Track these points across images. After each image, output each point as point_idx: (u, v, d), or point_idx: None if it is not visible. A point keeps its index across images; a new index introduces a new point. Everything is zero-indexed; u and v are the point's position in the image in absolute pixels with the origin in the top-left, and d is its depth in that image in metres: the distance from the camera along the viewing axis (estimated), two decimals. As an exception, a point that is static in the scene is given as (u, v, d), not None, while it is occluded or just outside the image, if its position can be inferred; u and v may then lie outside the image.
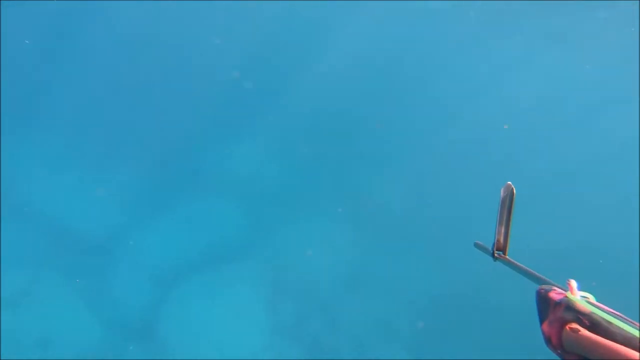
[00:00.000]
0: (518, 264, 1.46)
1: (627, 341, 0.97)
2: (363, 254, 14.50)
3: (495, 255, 1.55)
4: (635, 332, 0.98)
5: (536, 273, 1.37)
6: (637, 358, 0.93)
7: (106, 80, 15.81)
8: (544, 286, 1.24)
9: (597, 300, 1.14)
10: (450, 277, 14.10)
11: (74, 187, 13.17)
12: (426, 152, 16.80)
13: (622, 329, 1.00)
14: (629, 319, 1.05)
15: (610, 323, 1.03)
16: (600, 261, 12.55)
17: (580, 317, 1.08)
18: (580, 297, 1.13)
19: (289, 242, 13.90)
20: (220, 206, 14.12)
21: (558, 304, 1.14)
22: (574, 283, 1.15)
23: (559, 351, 1.12)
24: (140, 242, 12.23)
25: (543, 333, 1.16)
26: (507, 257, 1.53)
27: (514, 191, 1.55)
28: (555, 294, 1.18)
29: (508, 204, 1.54)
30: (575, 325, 1.07)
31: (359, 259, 14.39)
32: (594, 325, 1.04)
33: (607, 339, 1.00)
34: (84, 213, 12.55)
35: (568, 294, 1.14)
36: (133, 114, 15.41)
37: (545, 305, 1.19)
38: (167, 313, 11.12)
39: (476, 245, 1.72)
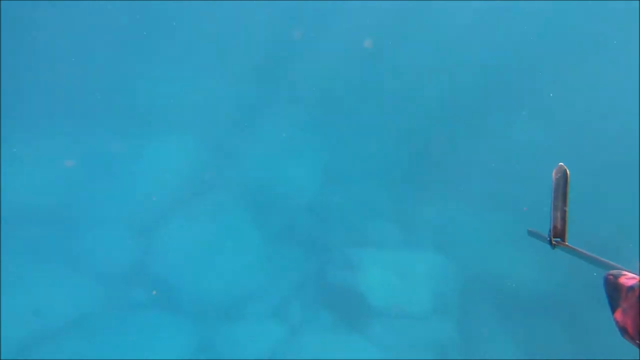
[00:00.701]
0: (580, 250, 1.36)
1: None
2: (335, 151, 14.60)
3: (554, 242, 1.44)
4: None
5: (602, 258, 1.27)
6: None
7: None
8: (612, 272, 1.14)
9: None
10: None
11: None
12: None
13: None
14: None
15: None
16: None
17: None
18: None
19: (260, 158, 13.67)
20: (181, 142, 13.50)
21: (631, 289, 1.05)
22: None
23: (637, 342, 1.02)
24: (110, 196, 11.68)
25: (617, 323, 1.07)
26: (566, 243, 1.42)
27: (568, 172, 1.44)
28: (626, 279, 1.08)
29: (562, 186, 1.44)
30: None
31: (333, 156, 14.50)
32: None
33: None
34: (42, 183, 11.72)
35: None
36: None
37: (616, 292, 1.09)
38: (159, 255, 10.97)
39: (530, 233, 1.62)
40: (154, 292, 9.99)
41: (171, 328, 9.30)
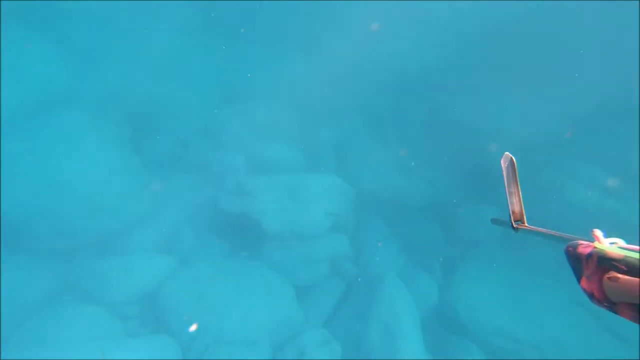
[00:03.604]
0: (539, 229, 1.44)
1: None
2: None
3: (515, 226, 1.52)
4: None
5: (559, 233, 1.33)
6: None
7: None
8: (570, 244, 1.20)
9: (628, 243, 1.09)
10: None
11: None
12: None
13: None
14: None
15: None
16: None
17: (615, 264, 1.04)
18: (609, 245, 1.09)
19: (145, 69, 11.54)
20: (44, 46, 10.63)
21: (589, 257, 1.11)
22: (598, 232, 1.12)
23: (605, 304, 1.07)
24: None
25: (584, 291, 1.12)
26: (526, 225, 1.52)
27: (514, 160, 1.54)
28: (583, 247, 1.14)
29: (512, 173, 1.54)
30: (613, 274, 1.04)
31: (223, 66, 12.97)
32: (632, 268, 1.01)
33: None
34: None
35: (596, 244, 1.11)
36: None
37: (577, 262, 1.15)
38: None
39: (493, 221, 1.73)
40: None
41: (28, 268, 8.05)
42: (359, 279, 9.95)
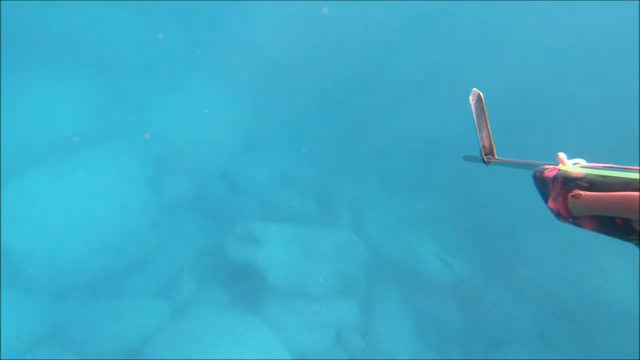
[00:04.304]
0: (509, 160, 1.48)
1: (626, 185, 1.01)
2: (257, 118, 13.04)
3: (486, 159, 1.56)
4: (631, 176, 1.02)
5: (528, 161, 1.37)
6: (638, 196, 0.95)
7: None
8: (537, 169, 1.27)
9: (589, 161, 1.16)
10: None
11: None
12: None
13: (619, 177, 1.04)
14: (622, 166, 1.07)
15: (605, 177, 1.07)
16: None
17: (578, 182, 1.11)
18: (572, 165, 1.17)
19: (162, 113, 11.77)
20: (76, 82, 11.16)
21: (555, 179, 1.18)
22: (562, 155, 1.20)
23: (570, 220, 1.15)
24: None
25: (551, 211, 1.19)
26: (496, 157, 1.55)
27: (481, 95, 1.56)
28: (549, 171, 1.22)
29: (480, 109, 1.56)
30: (576, 192, 1.11)
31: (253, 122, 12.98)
32: (592, 184, 1.08)
33: (608, 191, 1.03)
34: None
35: (560, 166, 1.19)
36: None
37: (544, 185, 1.23)
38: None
39: (465, 158, 1.74)
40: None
41: (19, 308, 7.73)
42: (366, 358, 8.91)
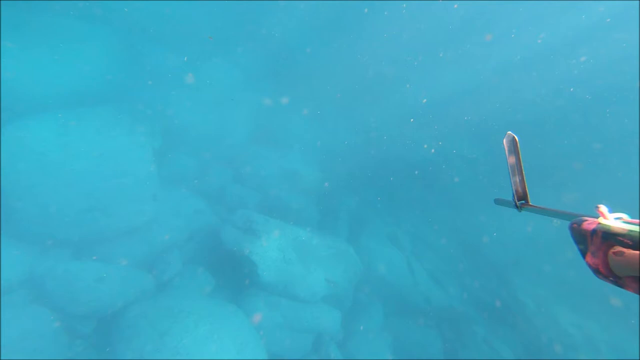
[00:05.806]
0: (544, 207, 1.43)
1: None
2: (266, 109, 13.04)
3: (519, 205, 1.50)
4: None
5: (565, 211, 1.31)
6: None
7: None
8: (575, 220, 1.19)
9: (631, 217, 1.09)
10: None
11: None
12: None
13: None
14: None
15: None
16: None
17: (620, 238, 1.03)
18: (614, 220, 1.09)
19: (181, 91, 11.70)
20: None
21: (594, 233, 1.10)
22: (603, 208, 1.10)
23: (610, 278, 1.07)
24: None
25: (589, 266, 1.11)
26: (530, 204, 1.49)
27: (517, 139, 1.51)
28: (588, 224, 1.13)
29: (515, 153, 1.51)
30: (618, 249, 1.03)
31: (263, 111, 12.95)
32: (636, 242, 1.00)
33: None
34: None
35: (600, 219, 1.11)
36: None
37: (582, 238, 1.14)
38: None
39: (497, 201, 1.68)
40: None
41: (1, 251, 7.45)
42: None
